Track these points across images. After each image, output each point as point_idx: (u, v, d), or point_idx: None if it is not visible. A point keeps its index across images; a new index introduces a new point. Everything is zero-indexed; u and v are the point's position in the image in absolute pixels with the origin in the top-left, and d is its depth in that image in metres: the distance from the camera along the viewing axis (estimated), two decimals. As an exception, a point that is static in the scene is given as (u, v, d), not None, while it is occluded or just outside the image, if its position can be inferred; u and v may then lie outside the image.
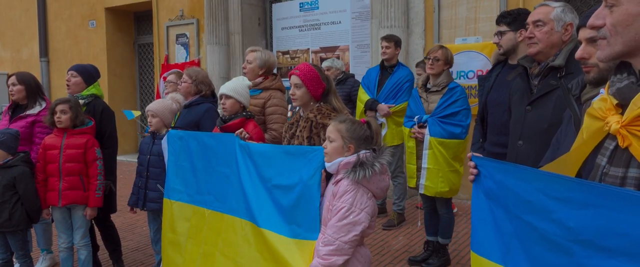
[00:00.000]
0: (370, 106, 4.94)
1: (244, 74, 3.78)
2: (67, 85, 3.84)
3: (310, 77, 2.75)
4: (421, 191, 3.89)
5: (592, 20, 1.26)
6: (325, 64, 5.57)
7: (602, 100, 1.28)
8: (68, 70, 3.89)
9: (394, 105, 4.85)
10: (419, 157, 3.92)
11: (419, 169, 3.91)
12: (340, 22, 7.22)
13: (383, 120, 4.91)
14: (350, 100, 5.33)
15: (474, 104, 5.48)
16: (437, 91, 3.85)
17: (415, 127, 3.91)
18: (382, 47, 4.95)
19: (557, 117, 2.16)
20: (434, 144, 3.76)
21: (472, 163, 1.66)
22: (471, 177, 1.67)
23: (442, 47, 3.90)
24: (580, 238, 1.23)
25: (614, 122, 1.19)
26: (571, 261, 1.26)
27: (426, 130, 3.79)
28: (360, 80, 5.73)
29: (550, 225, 1.32)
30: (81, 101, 3.75)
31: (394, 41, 4.94)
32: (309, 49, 7.58)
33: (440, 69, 3.83)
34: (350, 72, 6.65)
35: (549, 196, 1.33)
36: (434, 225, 4.04)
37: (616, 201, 1.15)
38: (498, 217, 1.57)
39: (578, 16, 2.37)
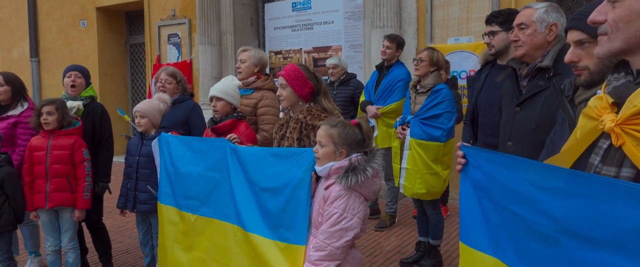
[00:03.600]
0: (363, 107, 4.88)
1: (238, 74, 3.76)
2: (72, 86, 3.78)
3: (295, 77, 2.72)
4: (401, 191, 3.89)
5: (593, 16, 1.25)
6: (331, 62, 5.38)
7: (598, 99, 1.27)
8: (70, 71, 3.82)
9: (382, 106, 4.77)
10: (401, 157, 3.91)
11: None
12: (332, 22, 7.20)
13: (373, 122, 4.83)
14: (353, 102, 5.17)
15: (466, 104, 5.48)
16: (423, 92, 3.84)
17: (400, 127, 3.90)
18: (384, 46, 4.85)
19: (544, 118, 2.15)
20: (414, 145, 3.74)
21: (460, 152, 1.66)
22: (459, 167, 1.66)
23: (428, 48, 3.90)
24: (567, 229, 1.23)
25: (609, 120, 1.18)
26: (559, 252, 1.25)
27: (407, 131, 3.78)
28: (360, 81, 5.65)
29: (537, 215, 1.32)
30: (81, 102, 3.74)
31: (396, 42, 4.87)
32: (301, 49, 7.55)
33: (425, 69, 3.81)
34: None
35: (536, 185, 1.33)
36: (425, 225, 4.03)
37: (601, 191, 1.14)
38: (485, 207, 1.57)
39: (564, 15, 2.36)
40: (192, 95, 4.04)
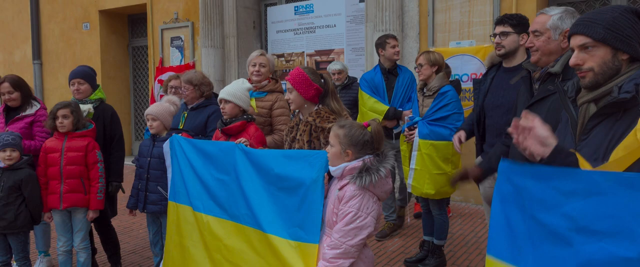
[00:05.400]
0: (394, 115, 4.56)
1: (256, 77, 3.79)
2: (77, 92, 3.83)
3: (299, 80, 2.78)
4: (409, 190, 3.95)
5: None
6: (336, 67, 5.28)
7: None
8: (72, 78, 3.85)
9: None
10: (409, 158, 3.98)
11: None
12: (335, 26, 7.27)
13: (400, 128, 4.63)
14: (356, 106, 5.04)
15: (468, 107, 5.56)
16: (430, 95, 3.91)
17: (406, 130, 3.97)
18: (394, 46, 4.64)
19: (548, 122, 2.20)
20: (423, 146, 3.80)
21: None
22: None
23: (423, 52, 3.95)
24: (578, 225, 1.33)
25: None
26: (571, 251, 1.35)
27: (416, 132, 3.85)
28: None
29: (556, 218, 1.42)
30: (90, 105, 3.79)
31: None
32: (304, 52, 7.62)
33: (427, 72, 3.88)
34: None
35: (560, 191, 1.42)
36: (430, 225, 4.10)
37: (612, 185, 1.26)
38: (514, 220, 1.63)
39: None
40: (215, 94, 3.89)
